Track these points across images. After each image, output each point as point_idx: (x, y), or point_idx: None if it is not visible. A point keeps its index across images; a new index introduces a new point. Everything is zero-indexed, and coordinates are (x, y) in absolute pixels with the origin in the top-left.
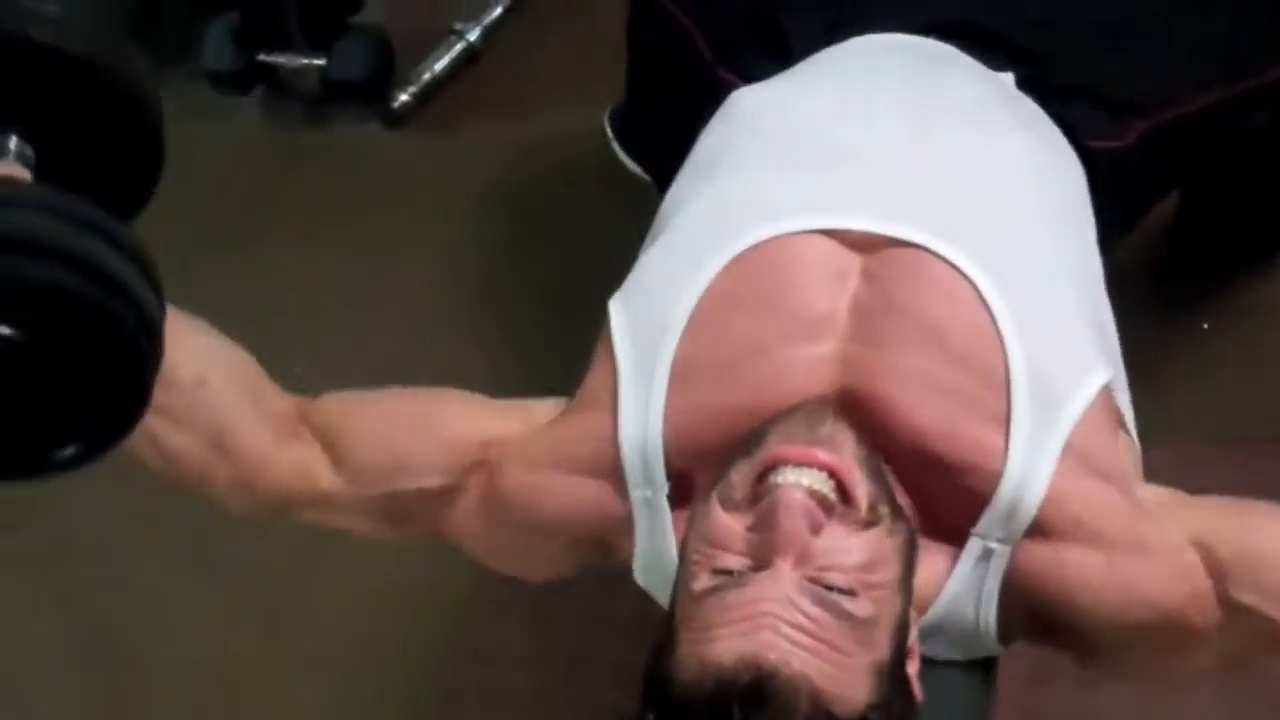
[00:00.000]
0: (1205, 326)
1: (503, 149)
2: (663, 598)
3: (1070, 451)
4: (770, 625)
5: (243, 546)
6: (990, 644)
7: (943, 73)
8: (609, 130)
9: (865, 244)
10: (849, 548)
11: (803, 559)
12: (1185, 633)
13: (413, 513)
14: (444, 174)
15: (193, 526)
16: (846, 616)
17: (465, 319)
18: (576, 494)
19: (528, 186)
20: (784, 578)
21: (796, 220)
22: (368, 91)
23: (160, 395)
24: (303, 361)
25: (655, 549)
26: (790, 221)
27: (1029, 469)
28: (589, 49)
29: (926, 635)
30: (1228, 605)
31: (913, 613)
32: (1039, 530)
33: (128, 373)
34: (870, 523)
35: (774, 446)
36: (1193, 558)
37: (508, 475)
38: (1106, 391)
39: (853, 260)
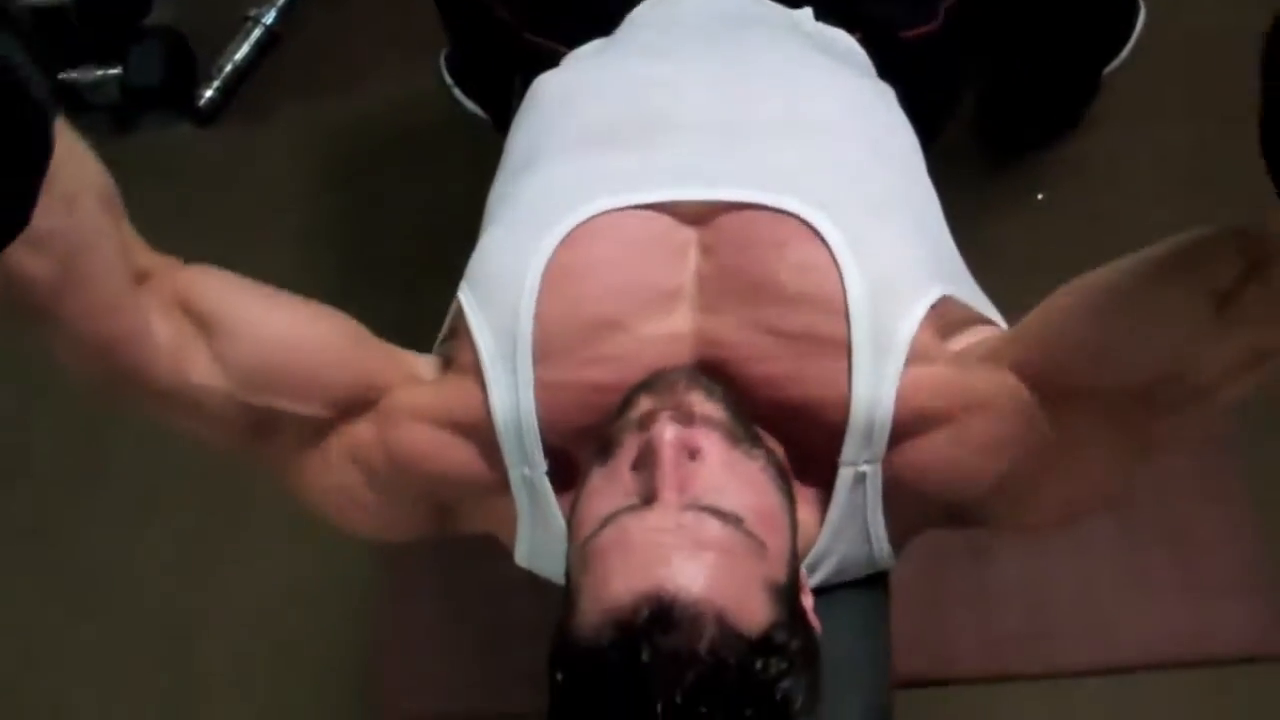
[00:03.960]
0: (1040, 198)
1: (321, 128)
2: (554, 576)
3: (912, 361)
4: (663, 557)
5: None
6: (885, 559)
7: (746, 26)
8: (444, 73)
9: (698, 215)
10: (730, 469)
11: (686, 486)
12: (1052, 449)
13: (281, 431)
14: (267, 163)
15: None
16: (737, 524)
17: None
18: (457, 452)
19: (354, 160)
20: (671, 506)
21: (626, 196)
22: (170, 93)
23: None
24: None
25: (541, 530)
26: (620, 197)
27: (875, 389)
28: (394, 14)
29: (815, 567)
30: (1058, 398)
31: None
32: (898, 438)
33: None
34: (741, 444)
35: (644, 404)
36: (1013, 380)
37: (394, 423)
38: (946, 303)
39: (689, 234)
